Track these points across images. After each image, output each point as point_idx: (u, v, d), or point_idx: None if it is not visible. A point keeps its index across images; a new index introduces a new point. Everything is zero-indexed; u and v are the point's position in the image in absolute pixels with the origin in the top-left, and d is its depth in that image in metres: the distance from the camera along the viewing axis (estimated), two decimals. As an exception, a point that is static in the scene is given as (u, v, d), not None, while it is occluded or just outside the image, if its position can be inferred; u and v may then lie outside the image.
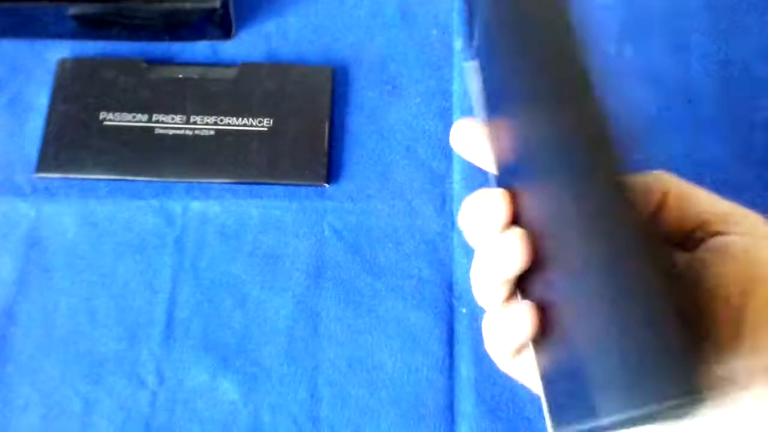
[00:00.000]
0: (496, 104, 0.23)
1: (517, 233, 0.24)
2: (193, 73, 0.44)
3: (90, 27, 0.45)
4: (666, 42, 0.45)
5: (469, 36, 0.23)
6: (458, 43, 0.45)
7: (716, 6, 0.45)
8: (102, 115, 0.43)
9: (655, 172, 0.27)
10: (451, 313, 0.40)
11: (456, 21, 0.45)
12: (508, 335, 0.25)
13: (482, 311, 0.38)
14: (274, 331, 0.39)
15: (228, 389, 0.38)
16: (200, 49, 0.45)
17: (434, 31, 0.45)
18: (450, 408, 0.38)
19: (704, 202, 0.26)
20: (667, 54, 0.45)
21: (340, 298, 0.40)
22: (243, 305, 0.40)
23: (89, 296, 0.40)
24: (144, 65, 0.44)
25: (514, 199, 0.24)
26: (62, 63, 0.44)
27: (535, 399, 0.39)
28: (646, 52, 0.45)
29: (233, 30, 0.45)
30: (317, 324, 0.39)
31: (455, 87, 0.44)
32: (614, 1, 0.46)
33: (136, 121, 0.42)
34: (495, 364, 0.38)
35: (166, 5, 0.44)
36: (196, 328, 0.39)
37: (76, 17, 0.44)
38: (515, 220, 0.24)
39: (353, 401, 0.38)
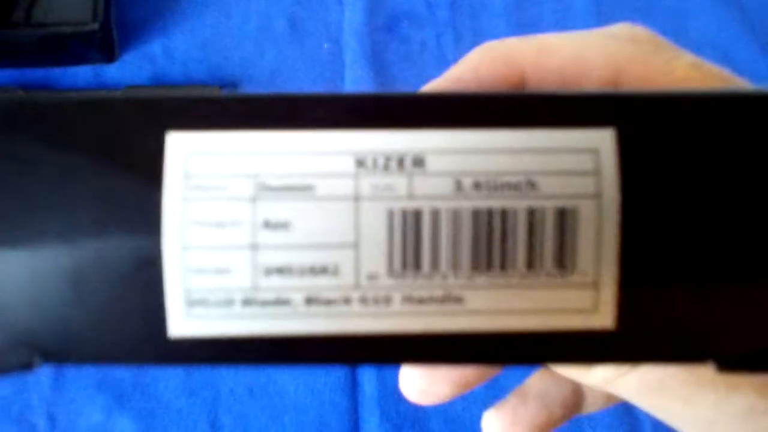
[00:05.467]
0: None
1: None
2: (75, 99, 0.42)
3: (-39, 55, 0.42)
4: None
5: None
6: (350, 55, 0.44)
7: (601, 8, 0.46)
8: (-23, 148, 0.40)
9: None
10: (353, 331, 0.39)
11: (347, 33, 0.45)
12: None
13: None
14: (170, 362, 0.38)
15: (125, 427, 0.35)
16: (82, 73, 0.41)
17: (325, 45, 0.44)
18: (355, 428, 0.36)
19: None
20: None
21: (239, 324, 0.38)
22: (137, 338, 0.38)
23: (-29, 341, 0.38)
24: (21, 93, 0.41)
25: None
26: (-68, 95, 0.42)
27: (439, 412, 0.38)
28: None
29: (116, 52, 0.42)
30: (216, 352, 0.38)
31: (348, 100, 0.43)
32: (503, 7, 0.45)
33: (15, 153, 0.40)
34: (398, 380, 0.38)
35: (42, 30, 0.41)
36: (88, 366, 0.37)
37: (-56, 46, 0.41)
38: None
39: (255, 430, 0.36)
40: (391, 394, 0.37)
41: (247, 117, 0.12)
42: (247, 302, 0.12)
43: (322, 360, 0.12)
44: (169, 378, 0.37)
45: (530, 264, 0.12)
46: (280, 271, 0.12)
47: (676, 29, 0.45)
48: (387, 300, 0.12)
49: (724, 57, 0.44)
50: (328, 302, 0.12)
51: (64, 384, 0.36)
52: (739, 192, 0.12)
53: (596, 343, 0.12)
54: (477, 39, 0.44)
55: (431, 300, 0.12)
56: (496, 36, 0.48)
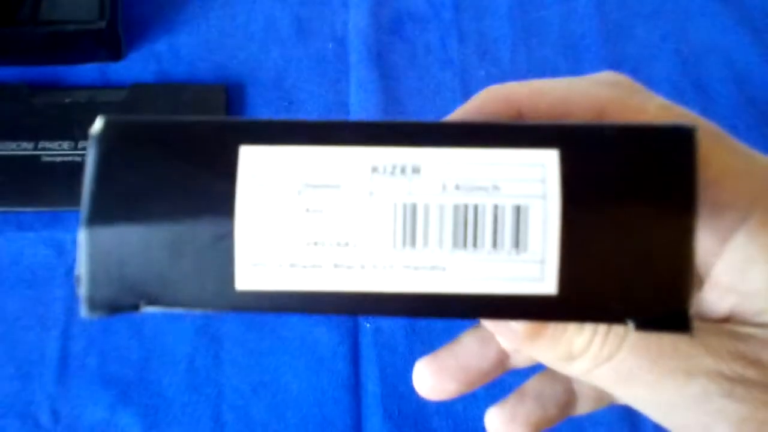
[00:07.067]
0: None
1: None
2: (81, 97, 0.41)
3: (-32, 53, 0.42)
4: (558, 45, 0.46)
5: None
6: (355, 56, 0.44)
7: (605, 11, 0.46)
8: (-17, 145, 0.40)
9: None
10: (356, 329, 0.38)
11: (352, 34, 0.45)
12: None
13: (386, 324, 0.38)
14: (174, 359, 0.37)
15: (128, 424, 0.36)
16: (88, 71, 0.42)
17: (330, 44, 0.45)
18: (357, 426, 0.36)
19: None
20: (559, 56, 0.46)
21: (242, 321, 0.38)
22: (140, 335, 0.37)
23: (-24, 336, 0.37)
24: (27, 91, 0.41)
25: None
26: (-61, 92, 0.41)
27: (441, 410, 0.38)
28: (540, 56, 0.45)
29: (122, 50, 0.42)
30: (219, 349, 0.37)
31: (353, 100, 0.43)
32: (508, 9, 0.46)
33: (21, 150, 0.39)
34: (401, 378, 0.38)
35: (49, 28, 0.41)
36: (93, 362, 0.37)
37: (-48, 43, 0.42)
38: None
39: (259, 426, 0.36)
40: (394, 392, 0.37)
41: (296, 135, 0.16)
42: (292, 265, 0.16)
43: (344, 311, 0.16)
44: (173, 374, 0.37)
45: (494, 244, 0.16)
46: (316, 244, 0.16)
47: (678, 32, 0.45)
48: (391, 267, 0.16)
49: (726, 60, 0.44)
50: (349, 267, 0.16)
51: (68, 380, 0.37)
52: (648, 199, 0.16)
53: (543, 305, 0.16)
54: (481, 40, 0.45)
55: (423, 268, 0.16)
56: (499, 37, 0.48)
